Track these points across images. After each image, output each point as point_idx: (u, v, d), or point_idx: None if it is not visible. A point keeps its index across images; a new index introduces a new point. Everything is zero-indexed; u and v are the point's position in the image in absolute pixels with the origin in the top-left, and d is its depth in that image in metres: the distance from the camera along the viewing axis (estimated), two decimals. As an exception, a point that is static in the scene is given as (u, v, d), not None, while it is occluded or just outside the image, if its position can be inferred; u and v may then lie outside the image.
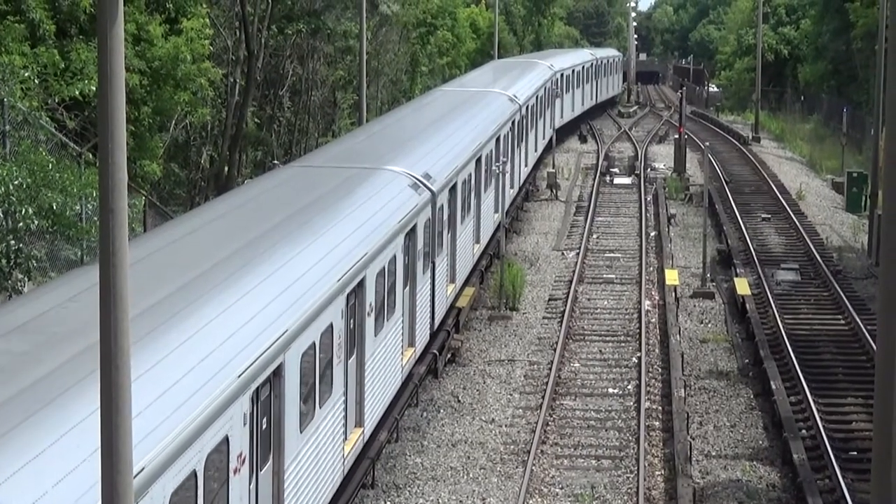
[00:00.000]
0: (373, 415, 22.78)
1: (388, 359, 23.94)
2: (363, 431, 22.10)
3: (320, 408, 18.85)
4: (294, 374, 17.20)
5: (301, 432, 17.68)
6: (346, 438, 20.91)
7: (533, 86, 55.50)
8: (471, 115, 40.45)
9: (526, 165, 51.94)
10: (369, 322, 22.07)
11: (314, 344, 18.28)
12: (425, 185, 27.98)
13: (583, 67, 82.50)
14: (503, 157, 41.45)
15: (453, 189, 31.38)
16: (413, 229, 26.15)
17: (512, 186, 45.40)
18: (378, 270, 22.66)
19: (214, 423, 13.98)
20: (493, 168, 38.93)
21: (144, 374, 13.20)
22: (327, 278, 19.49)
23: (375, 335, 22.63)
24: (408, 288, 26.12)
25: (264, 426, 16.10)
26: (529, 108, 52.24)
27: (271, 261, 18.76)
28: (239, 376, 14.90)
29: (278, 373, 16.49)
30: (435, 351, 30.01)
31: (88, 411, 11.81)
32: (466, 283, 35.22)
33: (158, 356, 14.09)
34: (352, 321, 21.04)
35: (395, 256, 24.23)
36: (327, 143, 38.64)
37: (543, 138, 60.61)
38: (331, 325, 19.24)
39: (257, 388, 15.58)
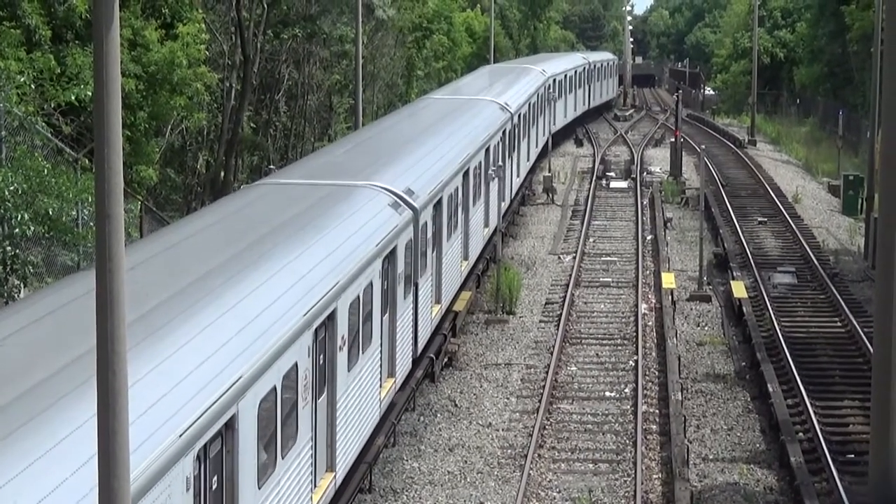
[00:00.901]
0: (346, 457, 21.01)
1: (364, 394, 22.14)
2: (335, 476, 20.27)
3: (283, 458, 17.03)
4: (250, 425, 15.39)
5: (259, 488, 15.88)
6: (314, 486, 19.13)
7: (525, 92, 54.16)
8: (459, 124, 38.62)
9: (518, 176, 50.06)
10: (341, 357, 20.25)
11: (275, 388, 16.40)
12: (407, 203, 26.35)
13: (575, 72, 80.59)
14: (493, 168, 39.73)
15: (438, 205, 29.75)
16: (393, 252, 24.41)
17: (503, 199, 43.21)
18: (352, 300, 20.93)
19: (148, 494, 12.19)
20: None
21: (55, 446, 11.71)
22: (292, 312, 17.73)
23: (349, 370, 20.80)
24: (387, 315, 24.31)
25: (214, 486, 14.44)
26: (522, 115, 50.64)
27: (225, 298, 16.80)
28: (180, 435, 13.14)
29: (231, 425, 14.74)
30: (432, 355, 30.01)
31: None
32: (453, 304, 33.34)
33: (74, 424, 12.27)
34: (321, 357, 19.24)
35: (371, 283, 22.42)
36: (305, 157, 36.05)
37: (536, 146, 59.18)
38: (295, 365, 17.43)
39: (205, 445, 13.93)
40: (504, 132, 43.85)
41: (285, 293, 18.03)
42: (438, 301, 30.71)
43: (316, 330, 18.63)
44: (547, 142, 62.52)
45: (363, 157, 31.09)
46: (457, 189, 32.65)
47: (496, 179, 39.62)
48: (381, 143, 34.29)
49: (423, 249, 27.57)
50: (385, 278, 23.89)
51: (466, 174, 34.49)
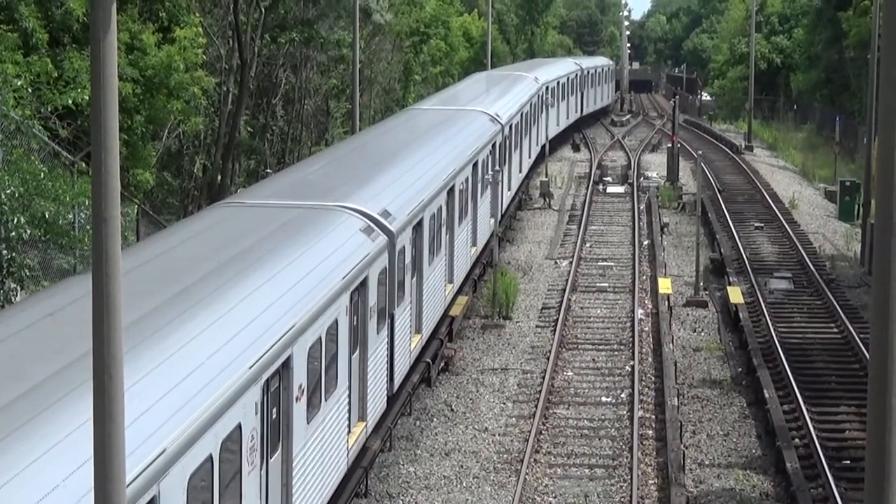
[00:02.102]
0: None
1: (328, 446, 19.85)
2: None
3: None
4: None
5: None
6: None
7: (518, 102, 51.65)
8: (445, 138, 36.31)
9: (509, 189, 47.37)
10: (298, 409, 17.91)
11: (211, 458, 14.19)
12: (381, 227, 24.17)
13: (567, 79, 77.84)
14: (481, 184, 38.18)
15: (419, 227, 27.68)
16: (364, 283, 22.15)
17: (492, 215, 41.25)
18: (312, 342, 18.64)
19: None
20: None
21: None
22: (235, 366, 15.35)
23: (308, 422, 18.52)
24: (357, 353, 22.12)
25: None
26: (514, 126, 48.26)
27: (145, 358, 14.11)
28: None
29: None
30: (428, 359, 30.00)
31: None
32: (436, 332, 31.13)
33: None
34: (274, 411, 16.91)
35: (336, 321, 20.16)
36: (275, 174, 33.21)
37: (530, 157, 57.39)
38: (238, 427, 15.10)
39: None
40: (494, 145, 41.79)
41: (228, 343, 15.69)
42: (419, 331, 28.50)
43: (267, 381, 16.36)
44: (544, 148, 62.51)
45: (337, 174, 29.00)
46: (440, 208, 30.56)
47: (485, 195, 38.13)
48: (358, 159, 32.06)
49: (400, 277, 25.40)
50: (354, 313, 21.69)
51: (451, 192, 32.43)
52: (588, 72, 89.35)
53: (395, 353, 25.14)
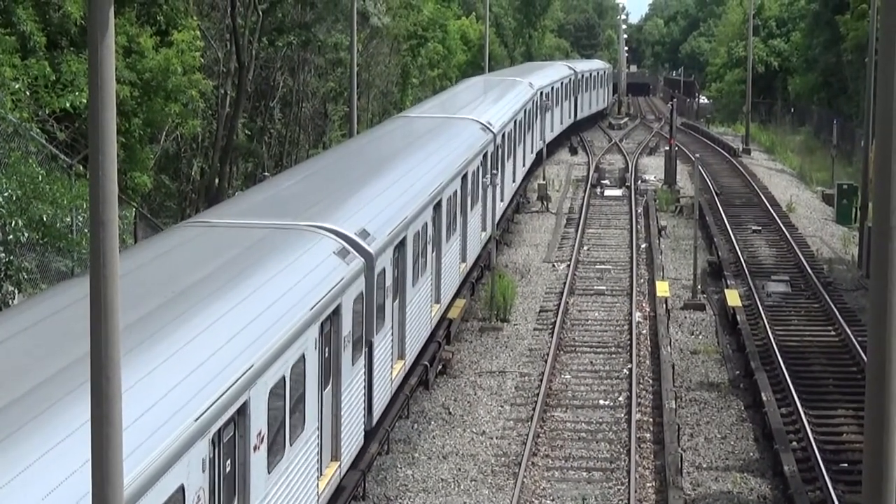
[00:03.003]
0: None
1: (293, 495, 17.95)
2: None
3: None
4: None
5: None
6: None
7: (511, 109, 49.52)
8: (432, 149, 34.40)
9: (502, 200, 44.90)
10: (257, 459, 16.04)
11: None
12: (359, 248, 22.38)
13: (561, 83, 75.38)
14: (471, 197, 36.38)
15: (401, 246, 25.89)
16: (336, 311, 20.34)
17: (483, 228, 39.74)
18: (274, 383, 16.79)
19: None
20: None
21: None
22: (176, 421, 13.54)
23: (269, 472, 16.63)
24: (329, 388, 20.31)
25: None
26: (506, 135, 46.28)
27: (60, 421, 12.33)
28: None
29: None
30: (426, 362, 30.00)
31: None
32: (420, 356, 29.47)
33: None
34: (227, 464, 15.18)
35: (303, 356, 18.33)
36: (248, 190, 31.12)
37: (524, 165, 55.77)
38: (181, 490, 13.37)
39: None
40: (485, 155, 39.73)
41: (169, 394, 13.79)
42: (401, 357, 26.62)
43: (219, 432, 14.57)
44: (540, 153, 62.44)
45: (314, 190, 26.97)
46: (425, 225, 28.77)
47: (476, 208, 36.75)
48: (337, 173, 29.75)
49: (379, 301, 23.49)
50: (326, 345, 19.90)
51: (438, 207, 30.63)
52: (582, 76, 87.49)
53: (375, 384, 23.27)
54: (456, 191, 33.40)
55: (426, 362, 29.95)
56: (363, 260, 22.25)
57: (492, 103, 49.09)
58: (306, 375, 18.52)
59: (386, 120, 49.43)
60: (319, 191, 26.52)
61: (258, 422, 15.99)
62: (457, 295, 34.96)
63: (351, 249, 22.00)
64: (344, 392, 20.95)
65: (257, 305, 17.46)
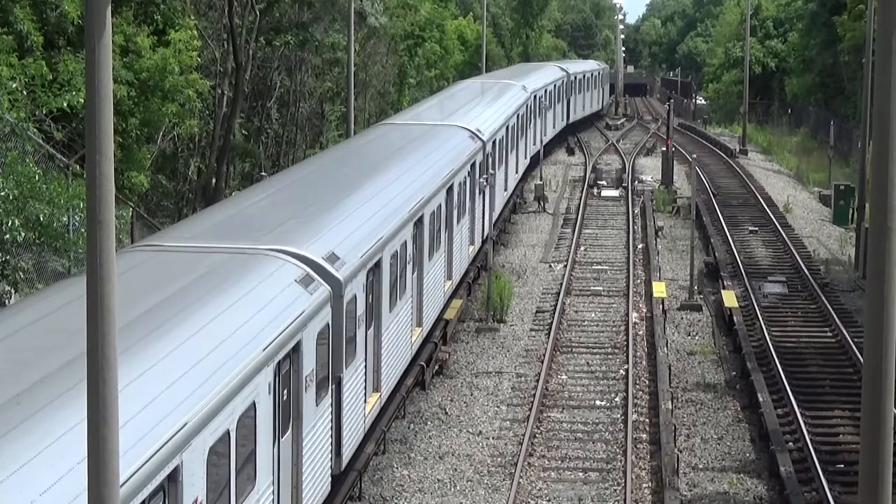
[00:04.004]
0: None
1: None
2: None
3: None
4: None
5: None
6: None
7: (503, 114, 47.22)
8: (416, 159, 32.38)
9: (493, 209, 42.04)
10: None
11: None
12: (325, 275, 20.27)
13: (554, 86, 72.58)
14: (457, 210, 34.41)
15: (376, 269, 23.79)
16: (297, 348, 18.21)
17: (472, 242, 38.00)
18: (214, 442, 14.55)
19: None
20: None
21: None
22: None
23: None
24: (287, 434, 18.09)
25: None
26: (497, 142, 43.97)
27: None
28: None
29: None
30: (422, 363, 29.98)
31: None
32: (400, 385, 27.55)
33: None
34: None
35: (253, 405, 16.10)
36: (208, 208, 28.65)
37: (517, 172, 53.70)
38: None
39: None
40: (473, 164, 37.65)
41: (80, 464, 11.09)
42: (377, 388, 24.49)
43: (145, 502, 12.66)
44: (538, 153, 62.43)
45: (281, 207, 24.80)
46: (405, 244, 26.66)
47: (463, 221, 35.13)
48: (309, 188, 27.42)
49: (350, 333, 21.37)
50: (284, 386, 17.83)
51: (420, 223, 28.59)
52: (575, 77, 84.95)
53: (344, 424, 21.17)
54: (440, 205, 31.32)
55: (423, 363, 29.93)
56: (329, 289, 20.04)
57: (483, 109, 47.01)
58: (258, 426, 16.31)
59: (369, 127, 46.70)
60: (287, 209, 24.35)
61: (193, 489, 13.89)
62: (440, 317, 32.83)
63: (316, 276, 19.86)
64: (306, 437, 18.76)
65: (198, 350, 15.25)
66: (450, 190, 32.91)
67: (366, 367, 23.06)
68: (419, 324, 29.31)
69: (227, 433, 15.03)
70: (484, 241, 40.44)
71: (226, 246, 20.09)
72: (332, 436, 20.56)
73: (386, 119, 47.24)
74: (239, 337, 16.28)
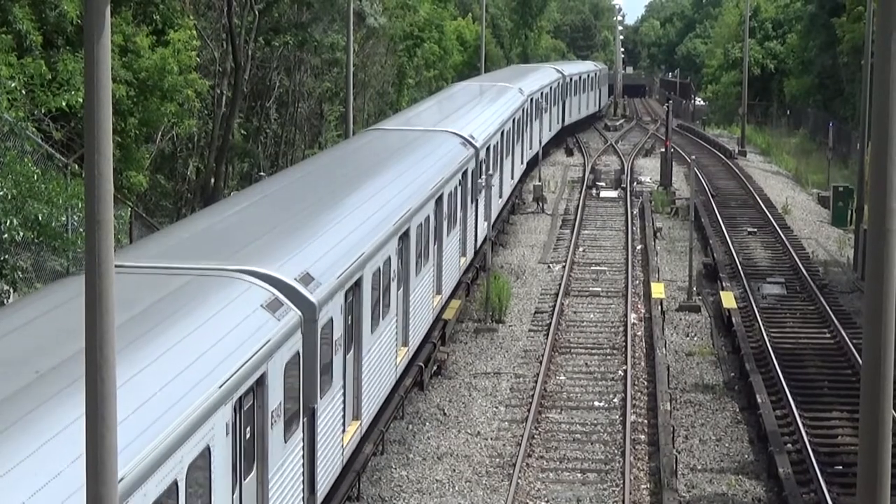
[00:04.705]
0: None
1: None
2: None
3: None
4: None
5: None
6: None
7: (498, 119, 45.67)
8: (402, 168, 30.68)
9: (486, 219, 40.01)
10: None
11: None
12: (296, 299, 18.62)
13: (550, 88, 71.06)
14: (447, 221, 32.84)
15: (356, 288, 22.15)
16: (261, 381, 16.50)
17: (463, 254, 36.39)
18: (158, 495, 13.04)
19: None
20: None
21: None
22: None
23: None
24: (251, 477, 16.47)
25: None
26: (492, 148, 42.33)
27: None
28: None
29: None
30: (420, 364, 29.96)
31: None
32: (381, 414, 25.61)
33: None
34: None
35: (207, 449, 14.48)
36: (177, 223, 27.34)
37: (512, 178, 52.34)
38: None
39: None
40: (465, 173, 36.10)
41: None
42: (356, 417, 22.80)
43: None
44: (536, 156, 62.35)
45: (255, 222, 22.96)
46: (388, 260, 24.94)
47: (453, 232, 33.87)
48: (286, 200, 25.55)
49: (325, 359, 19.76)
50: (247, 424, 16.18)
51: (406, 236, 27.00)
52: (570, 79, 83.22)
53: (319, 458, 19.51)
54: (428, 216, 29.77)
55: (421, 363, 29.91)
56: (300, 314, 18.36)
57: (477, 113, 45.16)
58: (213, 471, 14.69)
59: (356, 134, 44.59)
60: (260, 224, 22.55)
61: None
62: (427, 338, 31.03)
63: (285, 300, 18.18)
64: (273, 478, 17.08)
65: (138, 393, 13.44)
66: (439, 200, 31.47)
67: (344, 394, 21.40)
68: (405, 343, 27.70)
69: (175, 484, 13.44)
70: (476, 252, 39.48)
71: (188, 267, 18.41)
72: (304, 472, 18.90)
73: (376, 124, 45.18)
74: (191, 374, 14.61)
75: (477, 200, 38.36)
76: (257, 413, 16.43)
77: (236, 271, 18.34)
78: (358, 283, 22.21)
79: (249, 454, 16.25)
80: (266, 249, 20.14)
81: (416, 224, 27.96)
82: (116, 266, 16.17)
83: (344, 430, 21.52)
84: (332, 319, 20.01)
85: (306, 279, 19.35)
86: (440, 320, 32.90)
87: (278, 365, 17.14)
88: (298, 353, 18.22)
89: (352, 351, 22.10)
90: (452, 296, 34.99)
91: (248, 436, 16.12)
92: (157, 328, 15.44)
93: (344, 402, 21.35)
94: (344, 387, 21.24)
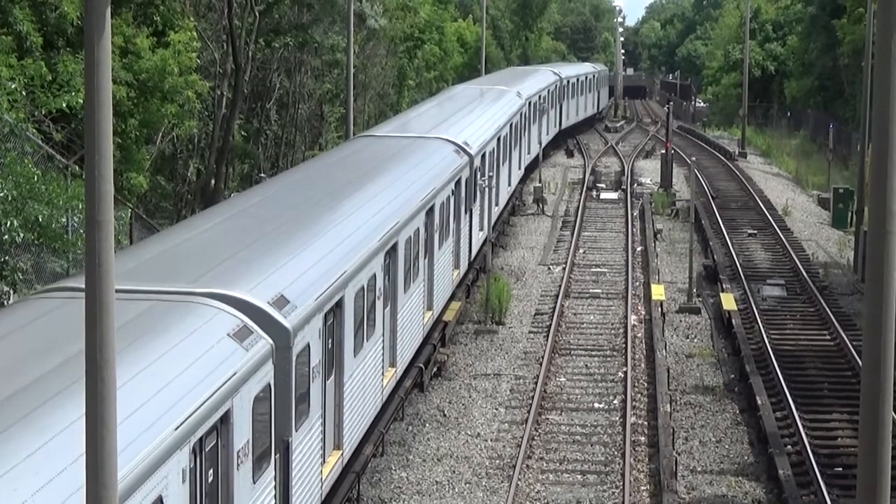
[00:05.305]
0: None
1: None
2: None
3: None
4: None
5: None
6: None
7: (494, 125, 44.16)
8: (391, 178, 29.00)
9: (481, 229, 39.12)
10: None
11: None
12: (268, 325, 17.05)
13: (548, 91, 69.45)
14: (439, 233, 31.37)
15: (337, 309, 20.58)
16: (225, 418, 15.04)
17: (456, 267, 35.28)
18: None
19: None
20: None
21: None
22: None
23: None
24: None
25: None
26: (488, 154, 40.71)
27: None
28: None
29: None
30: (421, 364, 29.94)
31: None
32: (367, 438, 24.01)
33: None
34: None
35: (159, 500, 12.97)
36: (144, 240, 25.23)
37: (510, 185, 50.90)
38: None
39: None
40: (459, 182, 34.62)
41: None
42: (338, 446, 21.29)
43: None
44: (537, 156, 62.33)
45: (228, 239, 21.04)
46: (374, 277, 23.33)
47: (445, 244, 32.62)
48: (264, 214, 23.43)
49: (301, 389, 18.25)
50: (210, 466, 14.77)
51: (393, 251, 25.48)
52: (568, 81, 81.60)
53: (294, 495, 17.97)
54: (418, 229, 28.25)
55: (421, 364, 29.89)
56: (271, 342, 16.79)
57: (472, 119, 43.34)
58: None
59: (346, 141, 42.69)
60: (233, 241, 20.69)
61: None
62: (421, 349, 30.04)
63: (255, 328, 16.60)
64: None
65: (73, 444, 11.43)
66: (430, 212, 29.92)
67: (324, 423, 19.87)
68: (392, 364, 26.04)
69: None
70: (470, 264, 38.46)
71: (151, 290, 16.68)
72: None
73: (367, 131, 43.08)
74: (142, 417, 13.06)
75: (471, 210, 37.15)
76: (221, 453, 15.00)
77: (202, 295, 16.70)
78: (339, 304, 20.63)
79: (213, 499, 14.76)
80: (237, 270, 18.42)
81: (404, 238, 26.41)
82: (69, 289, 16.04)
83: (324, 462, 20.05)
84: (308, 346, 18.45)
85: (280, 302, 17.75)
86: (437, 328, 32.24)
87: (246, 399, 15.61)
88: (269, 384, 16.63)
89: (332, 377, 20.63)
90: (444, 310, 33.57)
91: (210, 479, 14.67)
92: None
93: (323, 431, 19.88)
94: (324, 416, 19.79)
